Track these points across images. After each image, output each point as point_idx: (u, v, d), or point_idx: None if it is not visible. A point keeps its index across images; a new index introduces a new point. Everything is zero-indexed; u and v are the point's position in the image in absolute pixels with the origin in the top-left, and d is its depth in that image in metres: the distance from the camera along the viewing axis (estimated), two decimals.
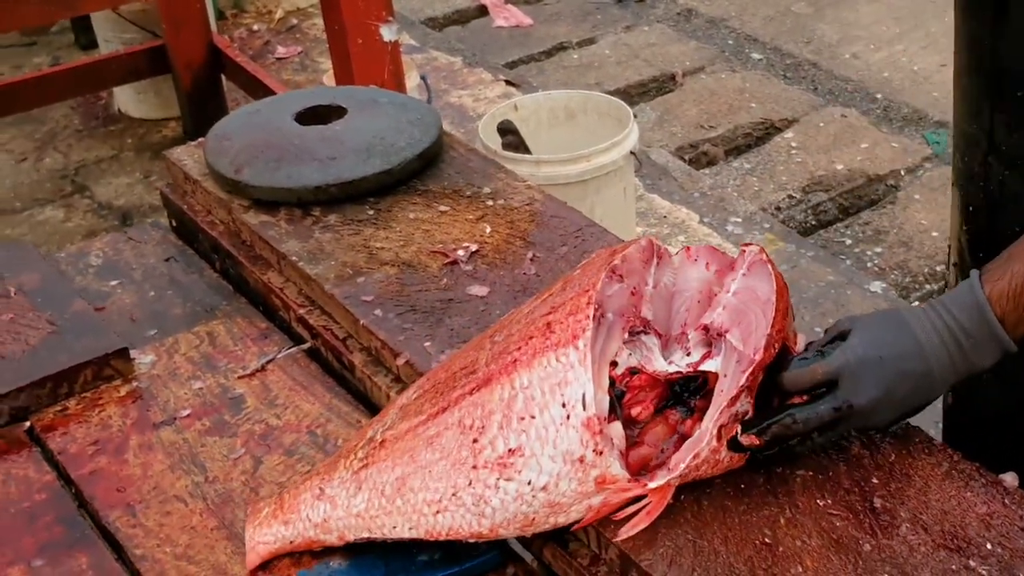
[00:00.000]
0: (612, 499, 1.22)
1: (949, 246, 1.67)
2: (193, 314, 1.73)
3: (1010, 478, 1.26)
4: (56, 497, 1.45)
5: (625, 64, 4.77)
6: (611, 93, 4.47)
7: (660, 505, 1.22)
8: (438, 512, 1.24)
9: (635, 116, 4.41)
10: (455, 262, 1.63)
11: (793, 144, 4.13)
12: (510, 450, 1.22)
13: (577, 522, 1.23)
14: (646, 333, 1.32)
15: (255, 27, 5.32)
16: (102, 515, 1.42)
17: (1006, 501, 1.23)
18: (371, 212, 1.75)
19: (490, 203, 1.75)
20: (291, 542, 1.32)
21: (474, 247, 1.65)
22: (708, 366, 1.30)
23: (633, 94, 4.59)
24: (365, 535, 1.29)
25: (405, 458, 1.28)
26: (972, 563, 1.17)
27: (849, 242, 3.69)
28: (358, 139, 1.80)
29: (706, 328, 1.30)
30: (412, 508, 1.26)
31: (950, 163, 1.59)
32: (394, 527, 1.27)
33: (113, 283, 1.81)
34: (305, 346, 1.64)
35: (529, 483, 1.21)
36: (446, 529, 1.25)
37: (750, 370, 1.24)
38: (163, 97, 4.69)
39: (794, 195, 3.89)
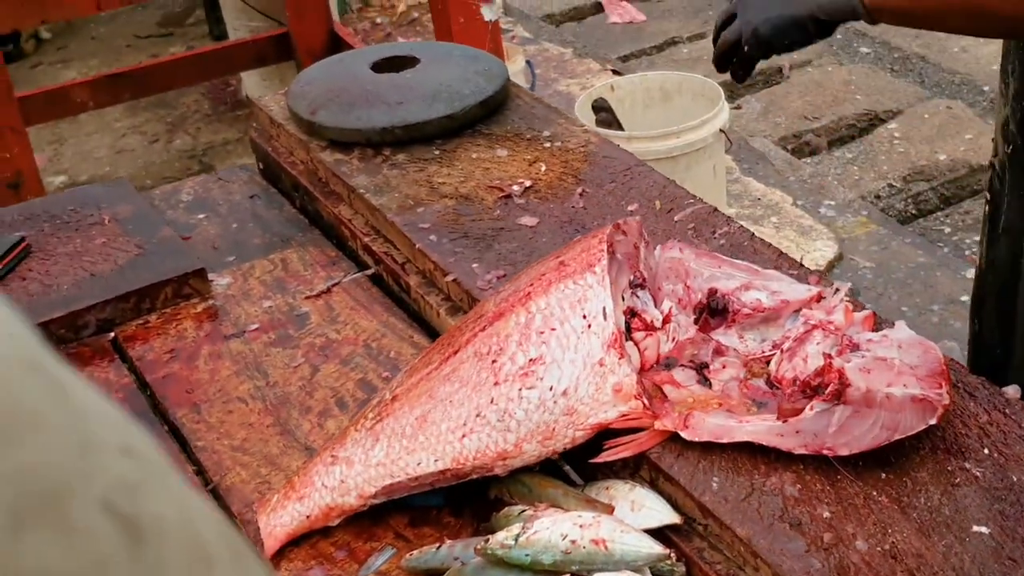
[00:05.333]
0: (621, 422, 1.27)
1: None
2: (270, 243, 1.86)
3: (1012, 390, 1.30)
4: (131, 397, 1.58)
5: None
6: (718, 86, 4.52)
7: (650, 443, 1.27)
8: (464, 436, 1.27)
9: (740, 107, 4.48)
10: (509, 196, 1.73)
11: (896, 135, 4.13)
12: (531, 359, 1.29)
13: (591, 443, 1.29)
14: (643, 288, 1.40)
15: (378, 20, 5.49)
16: (171, 413, 1.54)
17: (1007, 411, 1.28)
18: (436, 152, 1.86)
19: (547, 145, 1.84)
20: (308, 517, 1.31)
21: (528, 183, 1.75)
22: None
23: (739, 86, 4.62)
24: (387, 482, 1.29)
25: (423, 399, 1.32)
26: (968, 465, 1.22)
27: (948, 230, 3.69)
28: (426, 86, 1.91)
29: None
30: (436, 439, 1.28)
31: None
32: (418, 464, 1.28)
33: (200, 216, 1.95)
34: (369, 271, 1.75)
35: (551, 388, 1.27)
36: (473, 452, 1.27)
37: None
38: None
39: (895, 184, 3.89)
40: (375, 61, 2.01)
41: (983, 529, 1.15)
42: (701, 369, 1.36)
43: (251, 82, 5.03)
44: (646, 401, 1.27)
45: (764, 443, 1.23)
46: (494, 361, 1.31)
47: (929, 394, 1.23)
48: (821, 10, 1.57)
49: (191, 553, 0.40)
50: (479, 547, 1.21)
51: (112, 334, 1.70)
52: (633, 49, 5.10)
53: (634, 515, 1.24)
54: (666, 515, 1.23)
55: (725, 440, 1.24)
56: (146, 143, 4.86)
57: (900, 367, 1.25)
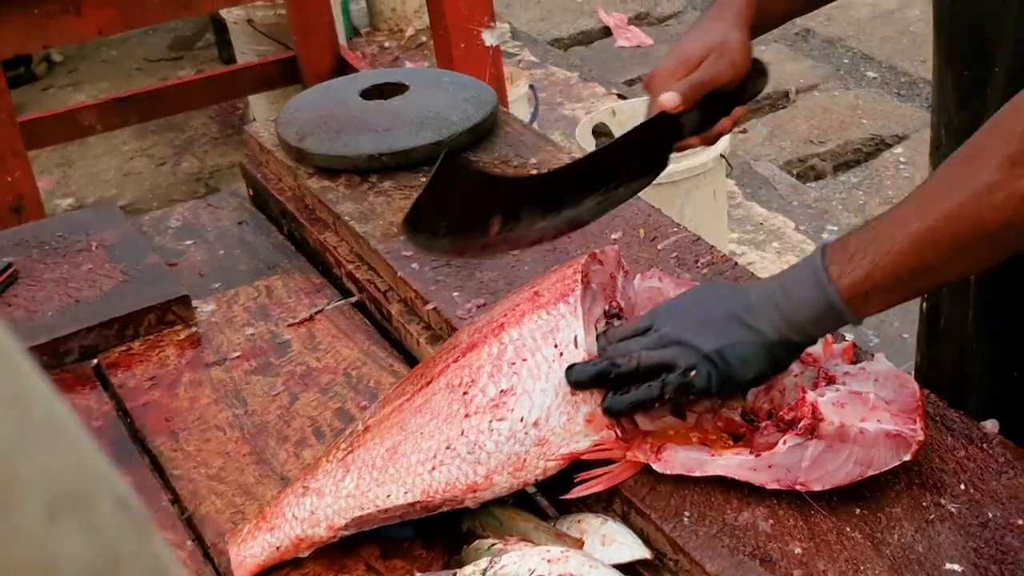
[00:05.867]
0: (592, 453, 1.26)
1: None
2: (256, 270, 1.86)
3: (990, 425, 1.29)
4: (111, 424, 1.58)
5: None
6: None
7: (623, 476, 1.25)
8: (433, 469, 1.25)
9: (745, 131, 4.47)
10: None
11: (902, 159, 4.11)
12: (502, 391, 1.27)
13: (566, 475, 1.27)
14: (619, 318, 1.38)
15: (386, 44, 5.51)
16: (149, 440, 1.54)
17: (984, 446, 1.26)
18: (423, 179, 1.85)
19: (535, 172, 1.83)
20: (278, 548, 1.29)
21: None
22: None
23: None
24: (357, 514, 1.27)
25: (394, 430, 1.30)
26: (943, 500, 1.21)
27: None
28: (414, 113, 1.90)
29: None
30: (406, 471, 1.26)
31: None
32: (388, 495, 1.26)
33: (188, 243, 1.95)
34: (353, 299, 1.75)
35: (522, 419, 1.25)
36: (443, 485, 1.25)
37: None
38: None
39: None
40: (364, 88, 2.01)
41: (956, 567, 1.13)
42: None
43: (258, 106, 5.05)
44: (619, 431, 1.26)
45: (736, 477, 1.21)
46: (465, 392, 1.29)
47: (903, 430, 1.21)
48: (796, 329, 1.18)
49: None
50: None
51: (95, 361, 1.70)
52: (640, 73, 5.10)
53: (604, 549, 1.22)
54: (636, 550, 1.22)
55: (697, 473, 1.23)
56: (153, 166, 4.88)
57: (875, 401, 1.23)
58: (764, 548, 1.17)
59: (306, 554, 1.31)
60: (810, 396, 1.23)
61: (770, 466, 1.21)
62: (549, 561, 1.18)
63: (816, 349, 1.34)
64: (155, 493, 1.45)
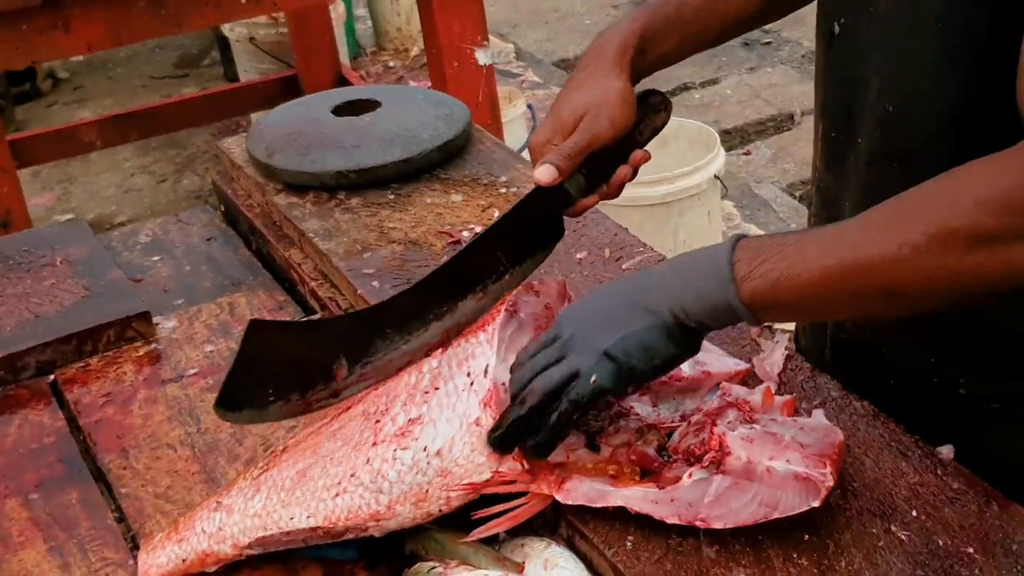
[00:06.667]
0: (495, 486, 1.22)
1: None
2: (221, 287, 1.83)
3: (946, 451, 1.25)
4: (63, 441, 1.55)
5: (745, 103, 4.78)
6: (728, 131, 4.51)
7: (528, 513, 1.21)
8: (337, 495, 1.23)
9: (749, 152, 4.44)
10: (458, 241, 1.69)
11: None
12: (410, 420, 1.24)
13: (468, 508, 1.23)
14: None
15: (391, 63, 5.51)
16: (99, 458, 1.51)
17: (938, 472, 1.23)
18: (391, 197, 1.83)
19: (503, 191, 1.81)
20: (184, 560, 1.28)
21: (478, 229, 1.71)
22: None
23: (750, 132, 4.60)
24: (260, 534, 1.25)
25: (307, 453, 1.28)
26: (893, 528, 1.18)
27: None
28: (384, 130, 1.88)
29: None
30: (311, 496, 1.24)
31: None
32: (291, 518, 1.25)
33: (155, 258, 1.93)
34: (314, 317, 1.72)
35: (424, 449, 1.21)
36: (345, 512, 1.22)
37: None
38: None
39: None
40: (337, 105, 1.98)
41: None
42: (594, 434, 1.30)
43: None
44: (524, 463, 1.21)
45: (638, 510, 1.17)
46: (377, 421, 1.27)
47: (812, 473, 1.15)
48: (691, 318, 1.13)
49: None
50: None
51: (52, 376, 1.68)
52: None
53: (546, 573, 1.19)
54: (578, 575, 1.18)
55: (599, 504, 1.19)
56: (154, 183, 4.87)
57: (788, 443, 1.18)
58: (707, 574, 1.13)
59: (212, 570, 1.29)
60: (719, 429, 1.19)
61: (672, 500, 1.17)
62: None
63: (755, 398, 1.29)
64: (101, 511, 1.42)
